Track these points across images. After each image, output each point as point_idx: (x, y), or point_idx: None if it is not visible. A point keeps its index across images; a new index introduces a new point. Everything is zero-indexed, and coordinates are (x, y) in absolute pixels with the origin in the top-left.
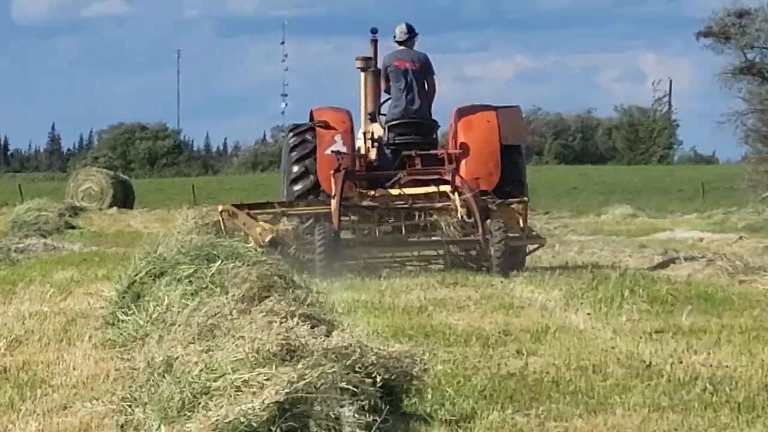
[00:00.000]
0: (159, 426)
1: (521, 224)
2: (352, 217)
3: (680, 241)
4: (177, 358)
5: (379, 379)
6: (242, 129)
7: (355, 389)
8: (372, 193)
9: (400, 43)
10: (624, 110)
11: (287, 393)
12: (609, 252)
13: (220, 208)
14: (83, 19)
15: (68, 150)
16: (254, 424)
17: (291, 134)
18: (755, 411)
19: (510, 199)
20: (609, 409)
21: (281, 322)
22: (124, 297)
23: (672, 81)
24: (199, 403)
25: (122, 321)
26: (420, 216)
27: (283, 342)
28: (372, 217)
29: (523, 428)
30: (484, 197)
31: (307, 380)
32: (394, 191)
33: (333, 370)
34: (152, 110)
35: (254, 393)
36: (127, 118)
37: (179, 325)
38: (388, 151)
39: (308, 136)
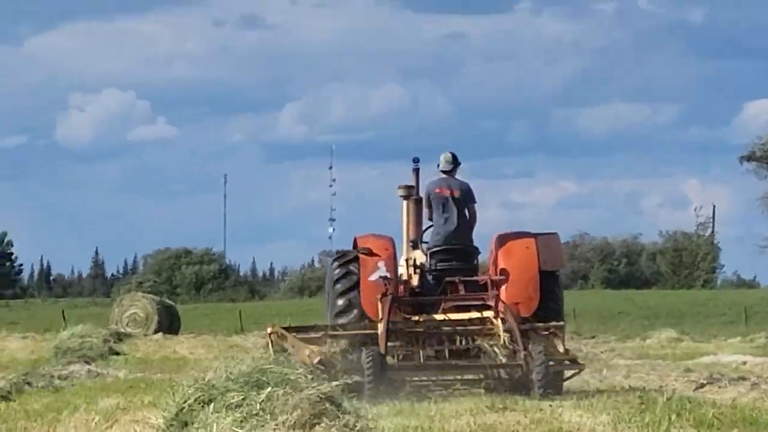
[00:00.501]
0: None
1: (560, 348)
2: (398, 342)
3: (724, 364)
4: None
5: None
6: (288, 254)
7: None
8: (416, 318)
9: (444, 171)
10: (668, 235)
11: None
12: (655, 376)
13: (269, 330)
14: (128, 143)
15: (112, 275)
16: None
17: (335, 264)
18: None
19: (549, 324)
20: None
21: None
22: (171, 425)
23: (715, 206)
24: None
25: None
26: (464, 340)
27: None
28: (417, 342)
29: None
30: (525, 322)
31: None
32: (438, 316)
33: None
34: (198, 235)
35: None
36: (172, 242)
37: None
38: (430, 277)
39: (352, 268)
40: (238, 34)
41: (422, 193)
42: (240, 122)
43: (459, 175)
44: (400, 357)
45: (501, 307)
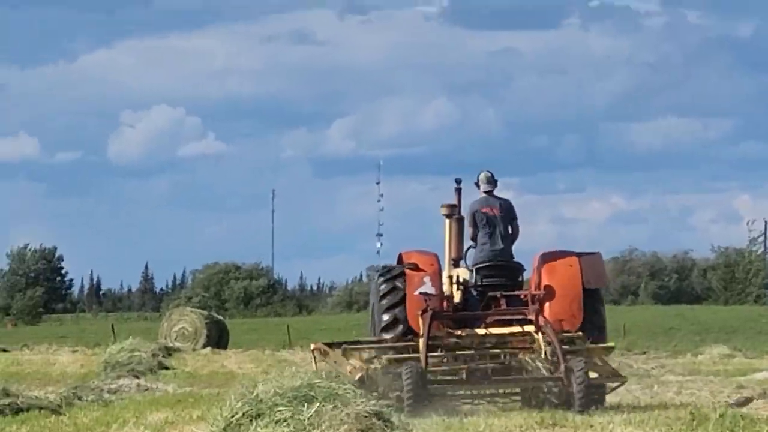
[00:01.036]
0: None
1: (601, 363)
2: (440, 357)
3: None
4: None
5: None
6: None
7: None
8: (459, 332)
9: (485, 192)
10: (720, 251)
11: None
12: (707, 392)
13: (312, 346)
14: (178, 159)
15: (161, 290)
16: None
17: (381, 279)
18: None
19: (595, 345)
20: None
21: None
22: None
23: (767, 221)
24: None
25: None
26: (505, 355)
27: None
28: (459, 356)
29: None
30: (569, 335)
31: None
32: (480, 330)
33: None
34: (246, 250)
35: None
36: (221, 257)
37: None
38: (474, 293)
39: (398, 283)
40: (287, 50)
41: (464, 212)
42: (289, 138)
43: (498, 192)
44: (442, 371)
45: (542, 321)
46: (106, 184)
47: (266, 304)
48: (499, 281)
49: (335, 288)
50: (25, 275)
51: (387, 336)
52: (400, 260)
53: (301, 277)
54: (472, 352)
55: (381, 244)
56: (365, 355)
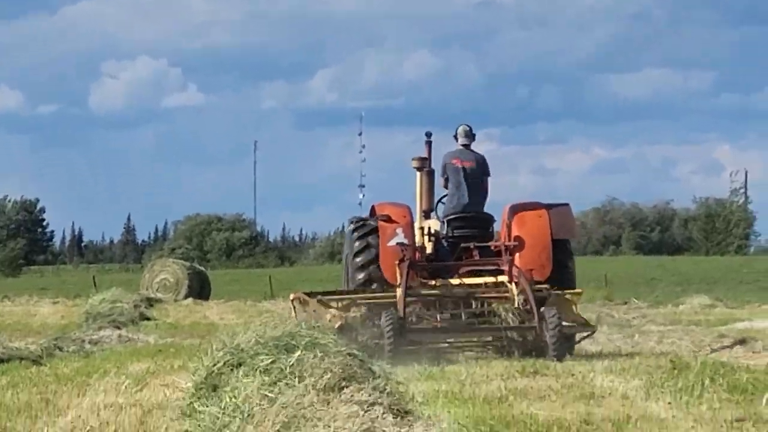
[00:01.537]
0: None
1: (572, 313)
2: (416, 306)
3: (758, 330)
4: None
5: None
6: (319, 220)
7: None
8: (433, 282)
9: (462, 145)
10: (701, 201)
11: None
12: (688, 341)
13: (291, 296)
14: (161, 110)
15: (143, 241)
16: None
17: (355, 235)
18: None
19: (565, 290)
20: None
21: (365, 413)
22: (201, 388)
23: (748, 172)
24: None
25: (199, 412)
26: (479, 304)
27: None
28: (434, 305)
29: None
30: (539, 287)
31: None
32: (454, 281)
33: None
34: (228, 201)
35: None
36: (203, 209)
37: (259, 416)
38: (445, 244)
39: (371, 240)
40: (269, 1)
41: (435, 165)
42: (271, 89)
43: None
44: (418, 320)
45: (515, 272)
46: (88, 135)
47: (248, 256)
48: (470, 232)
49: (317, 239)
50: (5, 227)
51: (360, 277)
52: (373, 212)
53: (283, 229)
54: (448, 300)
55: (363, 196)
56: (344, 303)
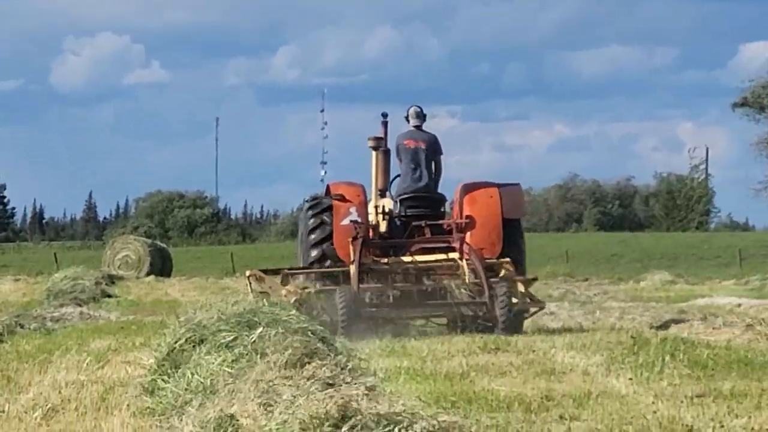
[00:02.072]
0: None
1: (521, 289)
2: (369, 283)
3: (719, 306)
4: (225, 425)
5: None
6: (281, 197)
7: None
8: (385, 260)
9: (414, 126)
10: (662, 178)
11: None
12: (649, 318)
13: (247, 272)
14: (123, 87)
15: (104, 218)
16: None
17: (310, 213)
18: None
19: (519, 278)
20: None
21: (327, 388)
22: (163, 365)
23: (708, 149)
24: None
25: (161, 389)
26: (431, 281)
27: (334, 407)
28: (387, 282)
29: None
30: (492, 268)
31: None
32: (406, 258)
33: None
34: (190, 178)
35: None
36: (165, 186)
37: (221, 393)
38: (398, 223)
39: (326, 217)
40: None
41: (390, 145)
42: (234, 66)
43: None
44: (372, 296)
45: (466, 249)
46: (49, 112)
47: (210, 233)
48: (422, 212)
49: (279, 216)
50: None
51: (314, 254)
52: (328, 191)
53: (245, 206)
54: (400, 277)
55: (325, 172)
56: (299, 280)
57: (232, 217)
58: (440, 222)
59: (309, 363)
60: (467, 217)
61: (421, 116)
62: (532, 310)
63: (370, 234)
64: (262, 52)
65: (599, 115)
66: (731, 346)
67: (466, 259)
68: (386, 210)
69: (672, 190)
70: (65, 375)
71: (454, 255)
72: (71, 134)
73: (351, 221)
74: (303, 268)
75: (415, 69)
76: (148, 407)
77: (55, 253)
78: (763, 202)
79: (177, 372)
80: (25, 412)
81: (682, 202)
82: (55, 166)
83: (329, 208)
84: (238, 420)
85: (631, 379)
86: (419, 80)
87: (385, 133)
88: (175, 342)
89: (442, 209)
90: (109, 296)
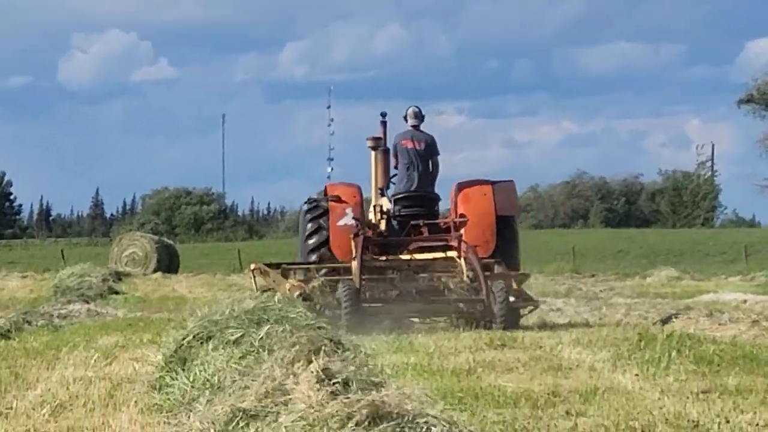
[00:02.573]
0: None
1: (514, 286)
2: (369, 280)
3: (724, 302)
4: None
5: None
6: (288, 193)
7: None
8: (384, 258)
9: (412, 126)
10: (668, 174)
11: None
12: (655, 314)
13: (252, 266)
14: (130, 84)
15: (111, 215)
16: None
17: (308, 216)
18: None
19: (514, 273)
20: None
21: (333, 384)
22: (170, 361)
23: (714, 145)
24: None
25: (169, 386)
26: (431, 279)
27: (339, 404)
28: (388, 278)
29: None
30: (487, 266)
31: None
32: (405, 256)
33: None
34: (197, 175)
35: None
36: (172, 182)
37: (229, 389)
38: (395, 222)
39: (322, 222)
40: None
41: (389, 144)
42: (241, 62)
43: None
44: (372, 292)
45: (464, 247)
46: (57, 108)
47: (217, 230)
48: (417, 211)
49: (286, 212)
50: None
51: (313, 257)
52: (326, 193)
53: (252, 202)
54: (399, 274)
55: (332, 169)
56: (303, 274)
57: (239, 213)
58: (437, 221)
59: (316, 360)
60: (461, 215)
61: (420, 116)
62: (528, 307)
63: (368, 233)
64: (270, 48)
65: (607, 111)
66: (737, 342)
67: (464, 257)
68: (385, 209)
69: (678, 187)
70: (73, 371)
71: (452, 253)
72: (78, 131)
73: (352, 218)
74: (306, 263)
75: (423, 65)
76: (156, 404)
77: (62, 250)
78: None
79: (184, 368)
80: (33, 409)
81: (688, 198)
82: (62, 162)
83: (326, 212)
84: (247, 416)
85: (637, 374)
86: (427, 77)
87: (384, 133)
88: (183, 338)
89: (436, 209)
90: (116, 293)
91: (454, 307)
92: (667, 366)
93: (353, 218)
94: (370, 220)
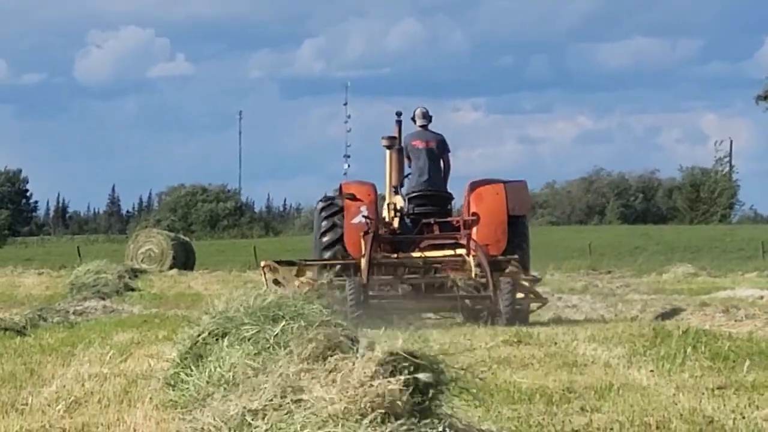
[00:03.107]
0: None
1: (524, 284)
2: (379, 276)
3: (741, 299)
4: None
5: None
6: (304, 190)
7: None
8: (395, 255)
9: (420, 126)
10: (686, 170)
11: None
12: (671, 310)
13: (262, 263)
14: (147, 80)
15: (127, 212)
16: None
17: (323, 214)
18: None
19: (527, 276)
20: None
21: (348, 382)
22: (185, 358)
23: (732, 141)
24: None
25: (184, 382)
26: (438, 275)
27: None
28: (396, 275)
29: None
30: (497, 265)
31: None
32: (415, 254)
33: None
34: (213, 172)
35: None
36: (188, 179)
37: (243, 386)
38: (408, 220)
39: (337, 220)
40: None
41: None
42: (258, 59)
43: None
44: (381, 287)
45: (473, 245)
46: (73, 105)
47: (233, 226)
48: (430, 209)
49: (302, 209)
50: None
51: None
52: (341, 191)
53: (268, 199)
54: (409, 271)
55: (348, 165)
56: (312, 271)
57: (255, 210)
58: (449, 219)
59: (331, 356)
60: (473, 213)
61: (427, 117)
62: (535, 305)
63: (382, 230)
64: (287, 44)
65: (623, 107)
66: (753, 338)
67: (473, 255)
68: (398, 208)
69: (696, 183)
70: (88, 368)
71: (461, 251)
72: (95, 128)
73: (363, 217)
74: (315, 259)
75: (438, 61)
76: (171, 400)
77: (78, 247)
78: None
79: (200, 365)
80: (49, 405)
81: (705, 195)
82: (78, 159)
83: (341, 210)
84: (261, 413)
85: (652, 371)
86: (443, 73)
87: (399, 132)
88: (198, 335)
89: (449, 207)
90: (132, 290)
91: (461, 303)
92: (682, 362)
93: (363, 216)
94: (384, 217)
